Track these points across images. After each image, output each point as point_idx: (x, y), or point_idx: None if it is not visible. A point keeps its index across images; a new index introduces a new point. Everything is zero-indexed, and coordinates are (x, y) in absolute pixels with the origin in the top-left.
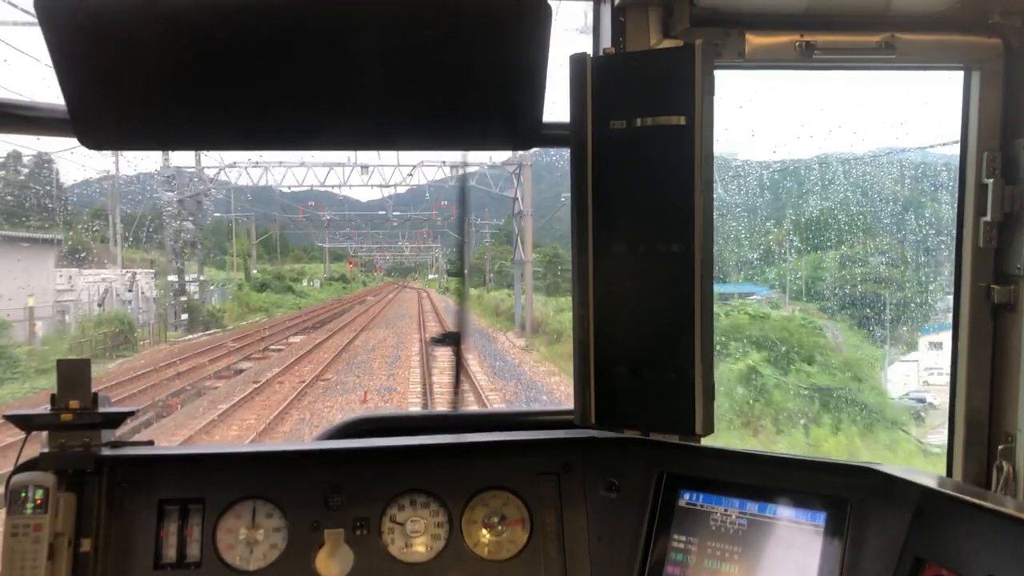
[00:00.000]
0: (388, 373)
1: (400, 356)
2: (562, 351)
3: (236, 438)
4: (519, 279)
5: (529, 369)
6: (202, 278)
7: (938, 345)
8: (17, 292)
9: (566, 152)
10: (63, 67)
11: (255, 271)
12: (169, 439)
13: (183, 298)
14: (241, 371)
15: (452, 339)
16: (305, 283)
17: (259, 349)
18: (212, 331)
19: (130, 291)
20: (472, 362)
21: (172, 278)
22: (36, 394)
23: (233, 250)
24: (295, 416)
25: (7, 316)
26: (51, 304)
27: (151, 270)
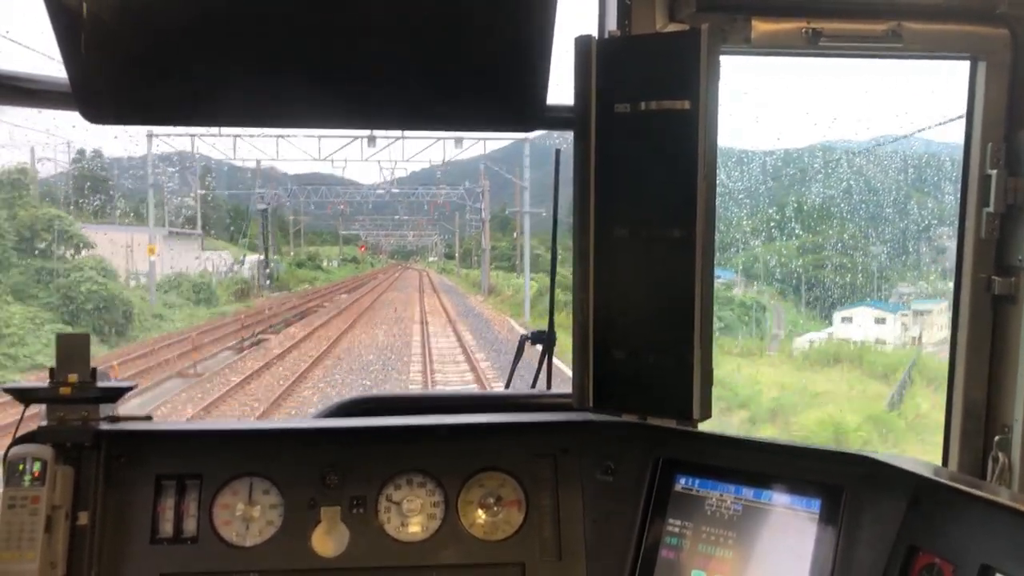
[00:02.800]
0: (403, 309)
1: (408, 302)
2: (496, 301)
3: (342, 323)
4: (484, 262)
5: (474, 306)
6: (275, 257)
7: (848, 319)
8: (181, 264)
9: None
10: (65, 39)
11: (292, 253)
12: (317, 322)
13: (267, 270)
14: (324, 307)
15: None
16: (325, 263)
17: (327, 299)
18: (283, 292)
19: (243, 264)
20: (448, 303)
21: (260, 257)
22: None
23: (272, 236)
24: (365, 319)
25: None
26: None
27: (224, 251)
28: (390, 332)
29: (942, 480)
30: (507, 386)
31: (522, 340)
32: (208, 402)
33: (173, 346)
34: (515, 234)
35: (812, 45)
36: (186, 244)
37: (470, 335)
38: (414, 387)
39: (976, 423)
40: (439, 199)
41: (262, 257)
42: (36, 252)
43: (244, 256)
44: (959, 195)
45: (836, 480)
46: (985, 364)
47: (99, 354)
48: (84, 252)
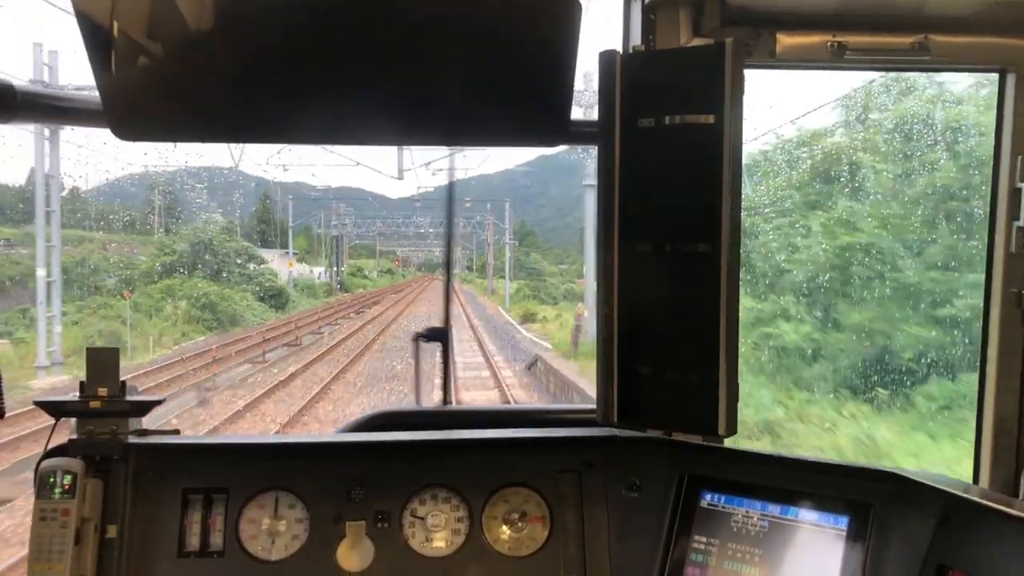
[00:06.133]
0: (435, 301)
1: (437, 298)
2: (494, 298)
3: (401, 306)
4: (489, 274)
5: (480, 301)
6: (342, 268)
7: None
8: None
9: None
10: (96, 57)
11: (345, 265)
12: (387, 305)
13: (339, 278)
14: (383, 301)
15: None
16: (367, 273)
17: (383, 296)
18: (348, 293)
19: (325, 272)
20: (463, 299)
21: (332, 268)
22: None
23: (323, 251)
24: (413, 304)
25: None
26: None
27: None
28: (428, 309)
29: (973, 498)
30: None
31: (416, 339)
32: (365, 322)
33: (326, 310)
34: (507, 255)
35: (838, 59)
36: (285, 260)
37: (472, 311)
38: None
39: (1008, 440)
40: (457, 224)
41: (329, 268)
42: (237, 264)
43: (312, 268)
44: (988, 208)
45: (864, 497)
46: (1016, 380)
47: (280, 317)
48: (261, 265)
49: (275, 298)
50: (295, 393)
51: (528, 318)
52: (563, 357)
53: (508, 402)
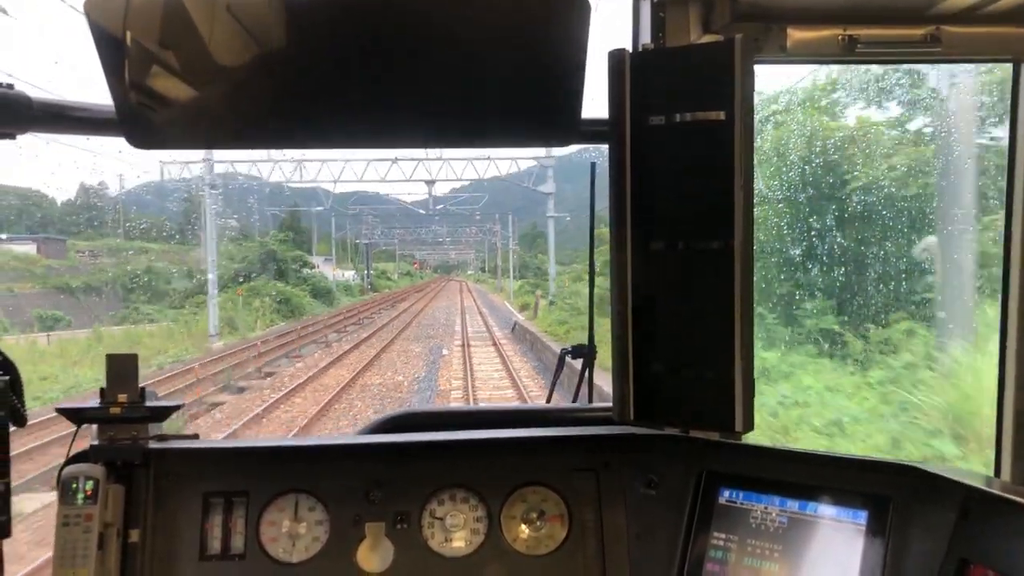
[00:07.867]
0: (452, 297)
1: (454, 295)
2: (502, 294)
3: (426, 301)
4: (499, 274)
5: (490, 296)
6: (372, 272)
7: None
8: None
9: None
10: (109, 66)
11: (373, 270)
12: (413, 299)
13: (369, 280)
14: (410, 298)
15: None
16: (390, 276)
17: (408, 295)
18: (376, 293)
19: (355, 275)
20: (475, 296)
21: (363, 272)
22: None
23: (347, 255)
24: (435, 300)
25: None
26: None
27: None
28: (447, 303)
29: (993, 491)
30: (548, 400)
31: (562, 354)
32: (399, 312)
33: (370, 304)
34: (512, 256)
35: (849, 52)
36: (328, 264)
37: (481, 303)
38: (455, 324)
39: None
40: (471, 233)
41: (359, 272)
42: (293, 269)
43: (343, 272)
44: (1004, 199)
45: (883, 491)
46: None
47: (328, 311)
48: (312, 270)
49: (325, 296)
50: (374, 343)
51: (524, 307)
52: (528, 320)
53: (495, 342)
